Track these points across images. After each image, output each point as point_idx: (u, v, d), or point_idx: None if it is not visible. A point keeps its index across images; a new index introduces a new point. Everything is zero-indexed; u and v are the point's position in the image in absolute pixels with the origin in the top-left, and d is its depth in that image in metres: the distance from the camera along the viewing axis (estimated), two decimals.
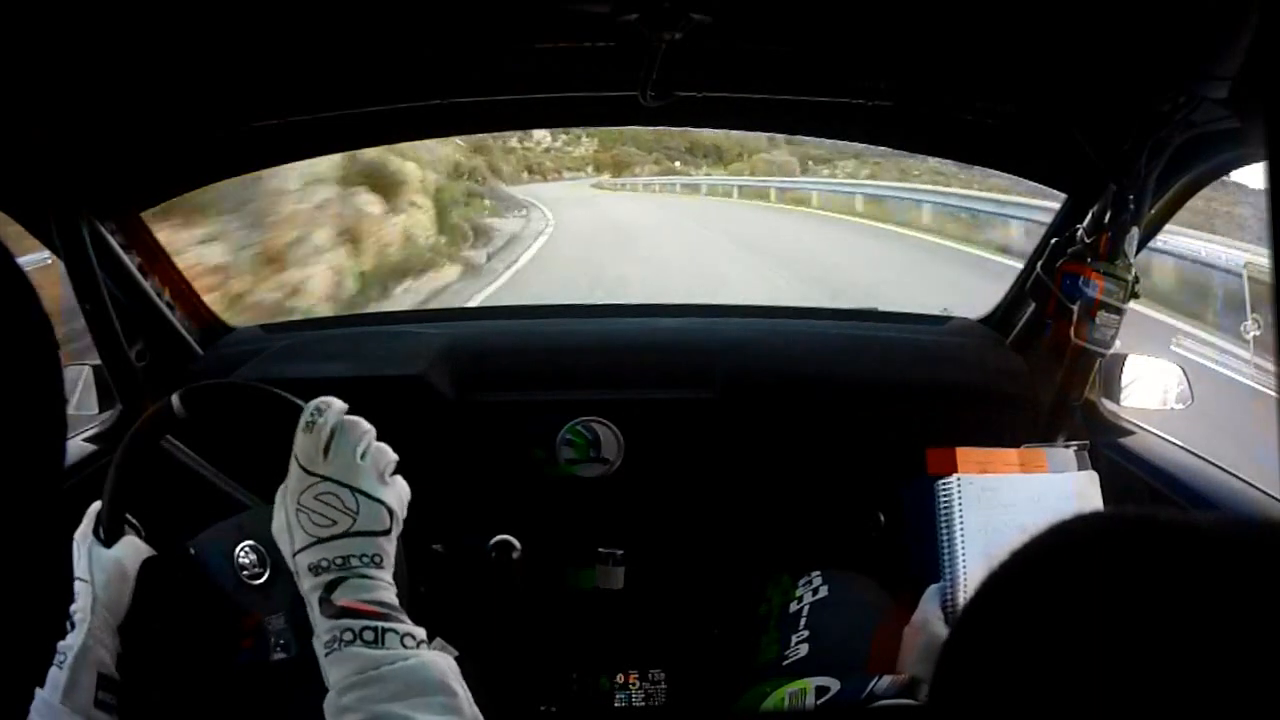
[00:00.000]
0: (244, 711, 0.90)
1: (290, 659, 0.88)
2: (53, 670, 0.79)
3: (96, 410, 1.29)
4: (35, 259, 1.25)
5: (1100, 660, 0.26)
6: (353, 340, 1.52)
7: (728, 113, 1.36)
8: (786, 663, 1.03)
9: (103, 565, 0.85)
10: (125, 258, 1.27)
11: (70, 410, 1.25)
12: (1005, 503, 0.90)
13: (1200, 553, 0.27)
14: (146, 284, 1.31)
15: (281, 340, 1.49)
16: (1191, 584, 0.26)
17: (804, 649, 1.04)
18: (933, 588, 0.87)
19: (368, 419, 0.73)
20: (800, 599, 1.13)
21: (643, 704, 1.40)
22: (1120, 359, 1.30)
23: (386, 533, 0.70)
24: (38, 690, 0.76)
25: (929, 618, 0.85)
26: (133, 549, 0.88)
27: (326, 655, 0.65)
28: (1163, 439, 1.27)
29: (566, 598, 1.39)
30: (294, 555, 0.69)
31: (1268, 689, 0.24)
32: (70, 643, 0.81)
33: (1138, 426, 1.31)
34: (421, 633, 0.67)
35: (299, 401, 0.75)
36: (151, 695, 0.85)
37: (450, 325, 1.58)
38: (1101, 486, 1.24)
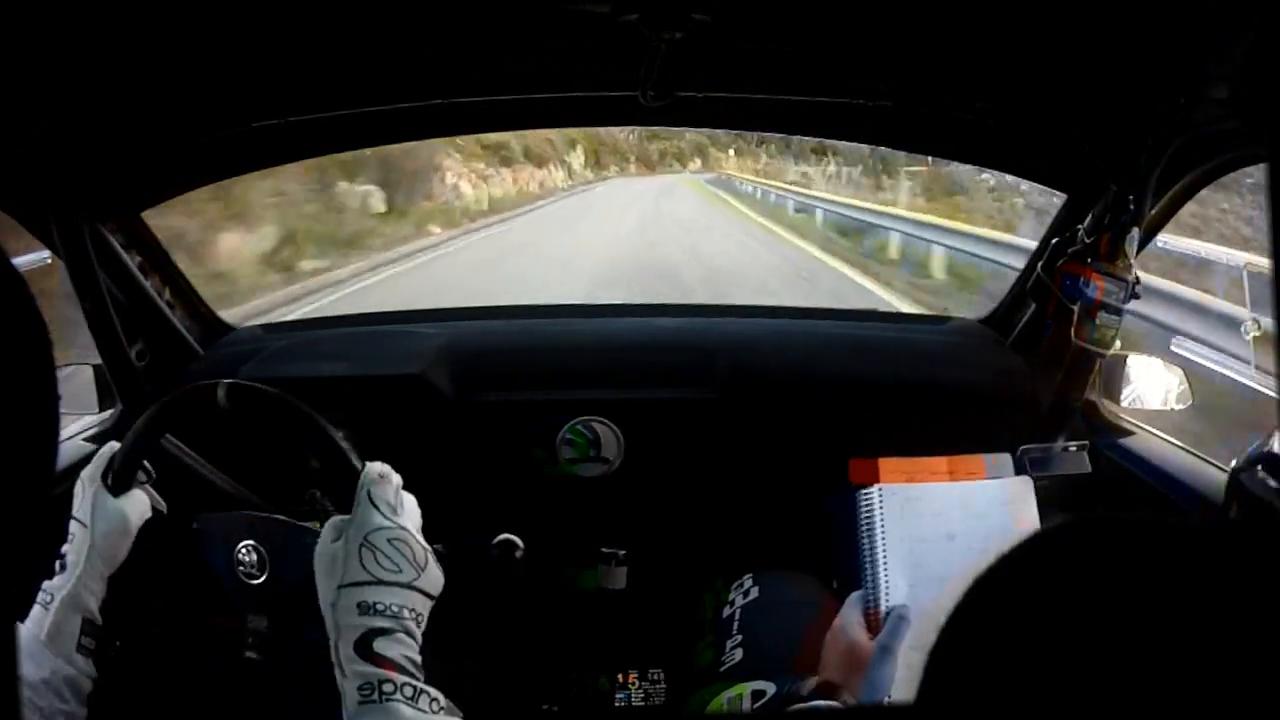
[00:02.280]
0: (206, 700, 0.90)
1: (260, 661, 0.88)
2: (37, 609, 0.79)
3: (97, 410, 1.29)
4: (35, 258, 1.26)
5: (1086, 666, 0.26)
6: (353, 340, 1.52)
7: (728, 113, 1.36)
8: (724, 668, 1.03)
9: (106, 515, 0.84)
10: (125, 258, 1.27)
11: (70, 410, 1.25)
12: (932, 511, 0.90)
13: (1190, 558, 0.27)
14: (146, 284, 1.31)
15: (281, 340, 1.49)
16: (1180, 589, 0.26)
17: (739, 654, 1.04)
18: (855, 594, 0.87)
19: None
20: (732, 602, 1.13)
21: (642, 703, 1.40)
22: (1120, 359, 1.30)
23: (433, 600, 0.73)
24: (24, 630, 0.77)
25: (850, 623, 0.85)
26: (138, 504, 0.87)
27: (362, 701, 0.66)
28: (1163, 439, 1.27)
29: (568, 597, 1.39)
30: (340, 586, 0.70)
31: (1256, 697, 0.24)
32: (58, 585, 0.80)
33: (1138, 426, 1.31)
34: (444, 698, 0.68)
35: (355, 460, 0.78)
36: (123, 654, 0.85)
37: (450, 325, 1.58)
38: (1102, 486, 1.24)
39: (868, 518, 0.88)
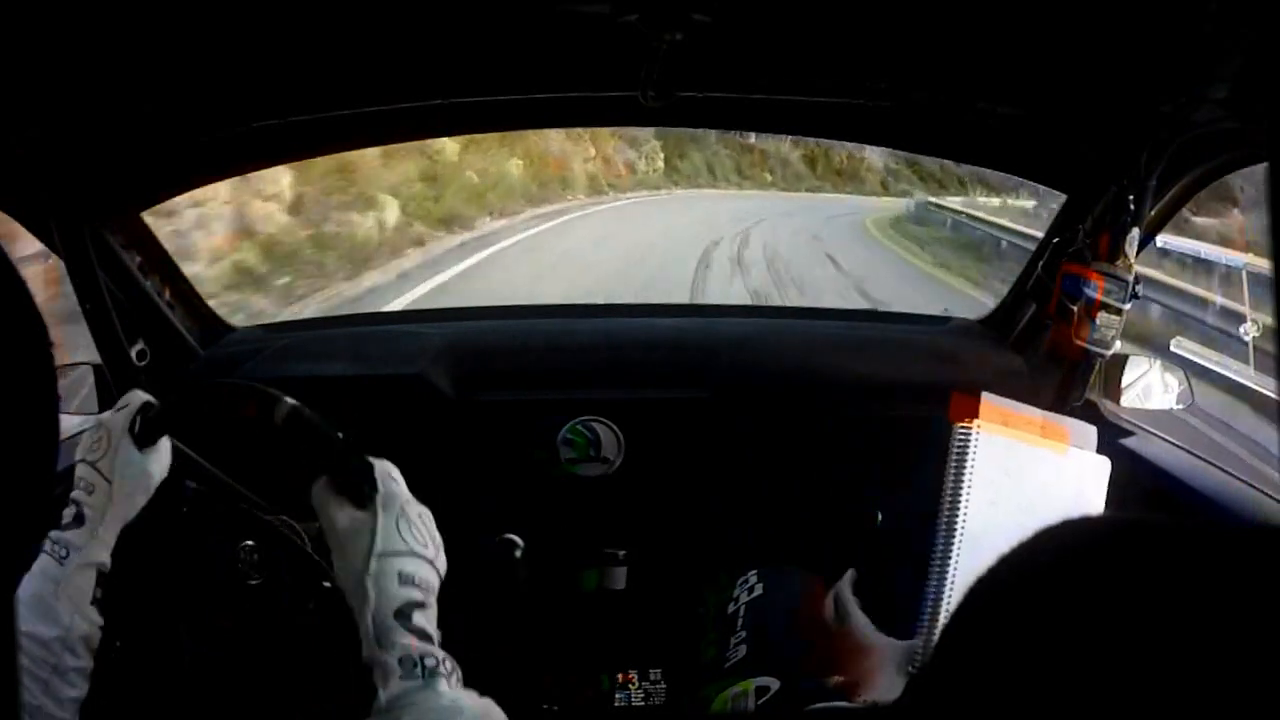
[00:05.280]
0: (184, 684, 0.90)
1: (245, 658, 0.88)
2: (50, 563, 0.77)
3: (97, 410, 1.29)
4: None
5: (1085, 667, 0.25)
6: (353, 340, 1.52)
7: (728, 113, 1.36)
8: (728, 664, 1.04)
9: (131, 470, 0.82)
10: (125, 258, 1.27)
11: (70, 410, 1.25)
12: (1015, 469, 0.91)
13: (1190, 559, 0.27)
14: (146, 284, 1.31)
15: (282, 339, 1.49)
16: (1181, 590, 0.26)
17: (743, 649, 1.04)
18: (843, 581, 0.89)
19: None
20: (736, 599, 1.13)
21: (643, 704, 1.40)
22: (1121, 359, 1.30)
23: (440, 580, 0.72)
24: (35, 584, 0.75)
25: (855, 624, 0.86)
26: (162, 459, 0.85)
27: (405, 676, 0.64)
28: (1164, 440, 1.27)
29: (569, 597, 1.39)
30: (380, 555, 0.68)
31: (1256, 699, 0.24)
32: (76, 542, 0.78)
33: (1139, 427, 1.31)
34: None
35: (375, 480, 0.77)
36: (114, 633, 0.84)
37: (450, 325, 1.58)
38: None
39: (960, 453, 0.89)
